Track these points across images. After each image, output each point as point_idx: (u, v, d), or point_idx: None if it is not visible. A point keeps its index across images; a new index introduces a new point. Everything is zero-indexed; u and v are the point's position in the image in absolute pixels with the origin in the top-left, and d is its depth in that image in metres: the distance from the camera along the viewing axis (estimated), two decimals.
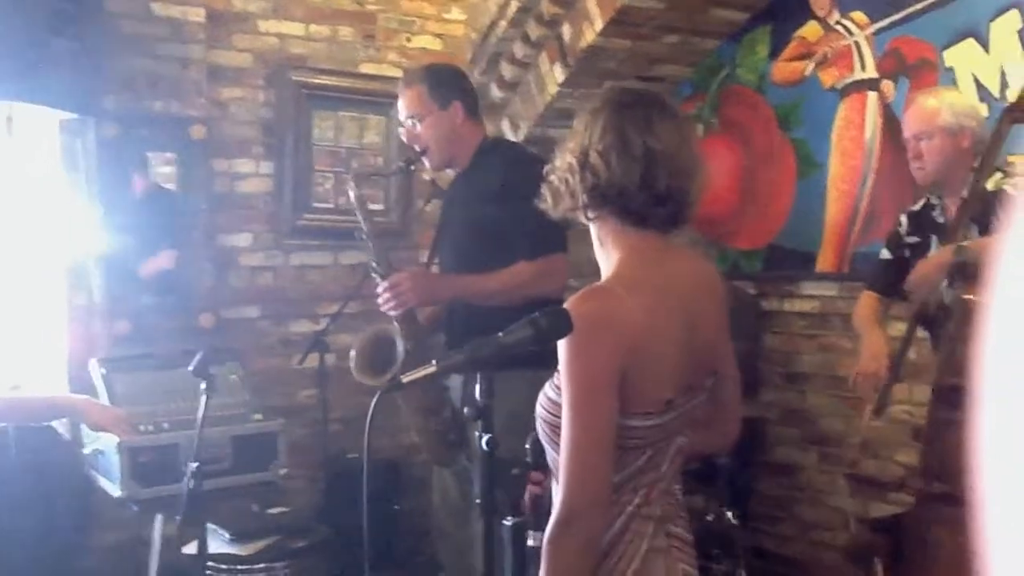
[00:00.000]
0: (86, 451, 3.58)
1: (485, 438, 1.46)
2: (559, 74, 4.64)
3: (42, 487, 3.77)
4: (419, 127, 3.03)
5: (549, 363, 1.68)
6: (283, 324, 4.57)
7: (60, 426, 3.85)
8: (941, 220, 3.08)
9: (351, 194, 3.10)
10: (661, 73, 4.85)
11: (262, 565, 3.19)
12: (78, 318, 4.05)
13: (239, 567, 3.18)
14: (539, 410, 1.76)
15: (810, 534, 4.48)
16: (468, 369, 1.52)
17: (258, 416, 3.79)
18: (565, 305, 1.66)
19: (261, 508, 3.73)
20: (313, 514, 4.41)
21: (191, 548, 2.87)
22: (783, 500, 4.63)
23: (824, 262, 4.39)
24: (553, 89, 4.69)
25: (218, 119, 4.33)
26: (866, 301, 3.33)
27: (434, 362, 1.50)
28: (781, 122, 4.54)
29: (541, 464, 1.77)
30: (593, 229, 1.83)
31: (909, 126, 3.10)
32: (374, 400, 1.55)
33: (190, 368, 2.67)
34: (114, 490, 3.53)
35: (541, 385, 1.75)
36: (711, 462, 3.89)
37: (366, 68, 4.63)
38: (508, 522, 1.53)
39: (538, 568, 1.64)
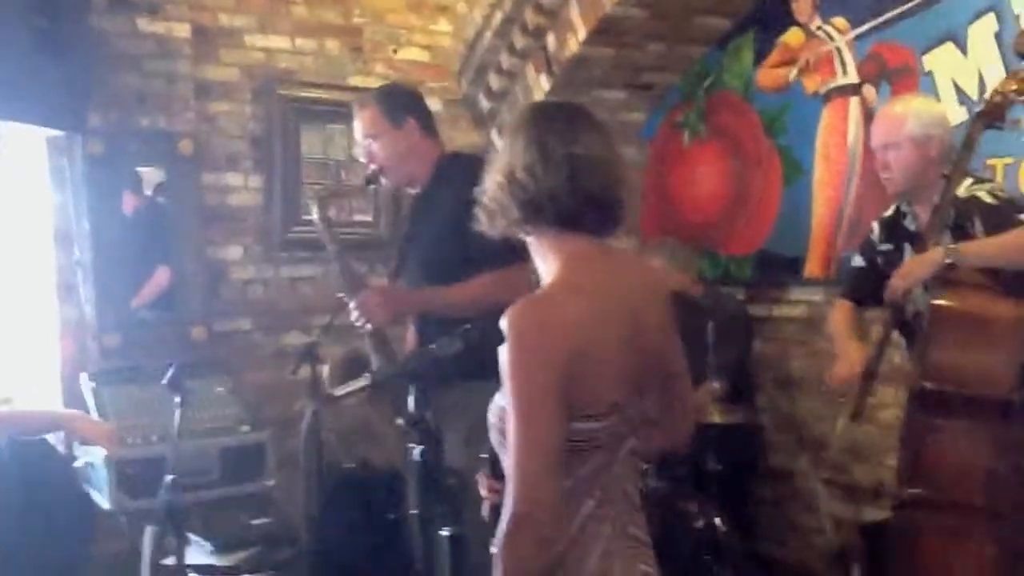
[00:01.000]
0: (78, 464, 3.63)
1: (418, 449, 1.48)
2: (545, 83, 4.67)
3: (40, 500, 3.80)
4: (375, 147, 3.08)
5: None
6: (275, 336, 4.60)
7: (54, 438, 3.89)
8: (913, 227, 3.08)
9: (315, 215, 3.13)
10: (648, 81, 4.87)
11: None
12: (69, 332, 4.09)
13: None
14: (490, 419, 1.79)
15: (805, 539, 4.48)
16: (402, 381, 1.53)
17: (246, 428, 3.82)
18: (505, 315, 1.67)
19: (252, 519, 3.75)
20: (307, 525, 4.44)
21: (172, 560, 2.89)
22: (778, 505, 4.63)
23: (811, 268, 4.40)
24: (540, 98, 4.71)
25: (207, 133, 4.37)
26: (840, 309, 3.33)
27: (366, 375, 1.52)
28: (767, 128, 4.55)
29: (498, 473, 1.79)
30: (532, 243, 1.86)
31: (876, 136, 3.09)
32: (307, 415, 1.57)
33: (164, 381, 2.69)
34: (103, 502, 3.57)
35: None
36: (702, 469, 3.91)
37: (354, 81, 4.67)
38: (446, 532, 1.54)
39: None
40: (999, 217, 2.78)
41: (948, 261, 2.69)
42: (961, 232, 2.86)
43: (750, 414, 4.25)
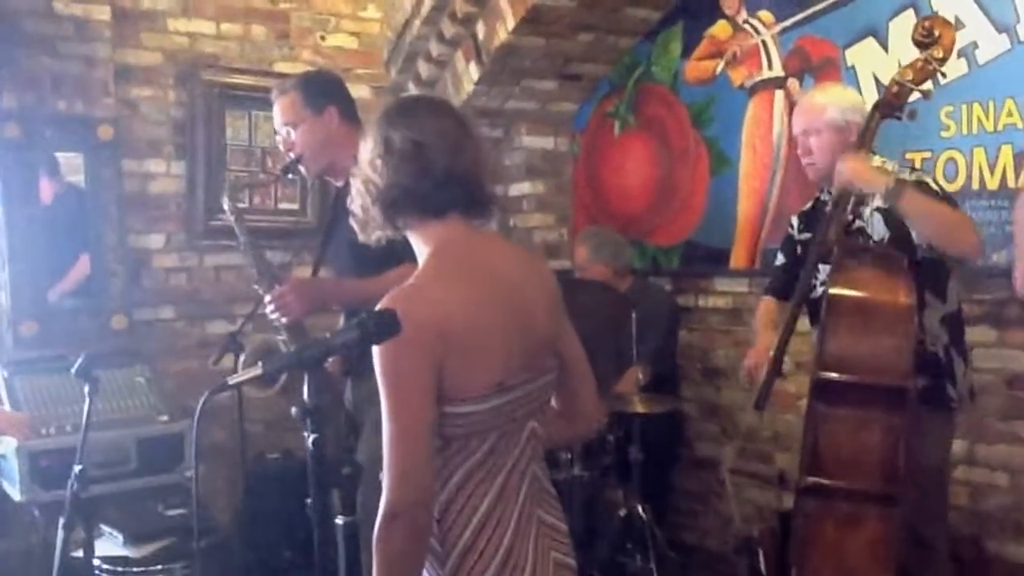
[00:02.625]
0: None
1: (311, 438, 1.46)
2: (474, 72, 4.65)
3: None
4: (294, 135, 3.00)
5: None
6: (199, 325, 4.54)
7: None
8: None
9: (226, 206, 3.07)
10: (578, 71, 4.88)
11: (159, 567, 3.16)
12: None
13: (134, 570, 3.15)
14: None
15: (727, 527, 4.52)
16: (296, 369, 1.51)
17: (164, 418, 3.77)
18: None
19: (169, 510, 3.70)
20: (232, 515, 4.40)
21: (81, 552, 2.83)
22: (703, 494, 4.67)
23: (737, 259, 4.44)
24: (469, 87, 4.70)
25: (127, 119, 4.30)
26: (763, 306, 3.36)
27: (260, 364, 1.50)
28: (694, 120, 4.58)
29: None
30: (410, 239, 1.86)
31: (797, 122, 3.13)
32: (200, 402, 1.54)
33: (72, 371, 2.63)
34: (15, 494, 3.50)
35: None
36: (625, 458, 3.93)
37: (280, 67, 4.61)
38: (340, 521, 1.53)
39: None
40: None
41: (891, 186, 2.71)
42: (889, 214, 2.90)
43: (674, 403, 4.28)
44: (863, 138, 2.88)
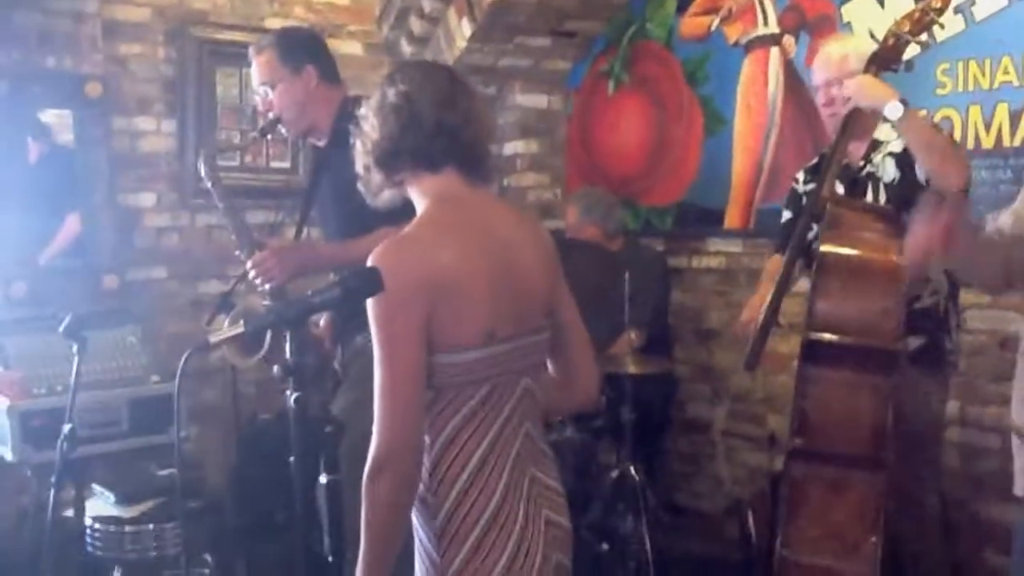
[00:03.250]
0: None
1: (293, 396, 1.45)
2: (467, 29, 4.59)
3: None
4: (272, 94, 2.95)
5: None
6: (191, 285, 4.51)
7: None
8: (844, 161, 3.08)
9: (203, 172, 3.03)
10: (573, 28, 4.82)
11: (150, 526, 3.17)
12: None
13: (125, 529, 3.15)
14: None
15: (719, 489, 4.54)
16: (278, 327, 1.50)
17: (156, 378, 3.75)
18: (370, 257, 1.71)
19: (160, 471, 3.71)
20: (225, 476, 4.41)
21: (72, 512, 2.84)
22: (696, 456, 4.69)
23: (731, 219, 4.42)
24: (462, 44, 4.65)
25: (117, 76, 4.24)
26: (772, 263, 3.35)
27: (241, 322, 1.49)
28: (689, 78, 4.54)
29: None
30: (410, 193, 1.90)
31: (819, 74, 3.09)
32: (182, 361, 1.53)
33: (60, 329, 2.62)
34: (7, 454, 3.49)
35: None
36: (617, 419, 3.94)
37: (271, 23, 4.53)
38: (323, 479, 1.52)
39: None
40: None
41: (898, 102, 2.69)
42: (901, 157, 2.90)
43: (666, 364, 4.28)
44: None
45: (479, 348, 1.75)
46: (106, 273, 4.23)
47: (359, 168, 1.90)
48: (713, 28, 4.40)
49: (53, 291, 4.07)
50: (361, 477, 1.68)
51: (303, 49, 2.98)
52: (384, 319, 1.69)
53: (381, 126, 1.83)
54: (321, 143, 3.04)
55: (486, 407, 1.78)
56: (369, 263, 1.68)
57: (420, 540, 1.80)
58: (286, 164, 4.64)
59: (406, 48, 4.87)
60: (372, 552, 1.70)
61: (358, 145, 1.89)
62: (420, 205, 1.87)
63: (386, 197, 1.91)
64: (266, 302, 2.94)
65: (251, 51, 3.03)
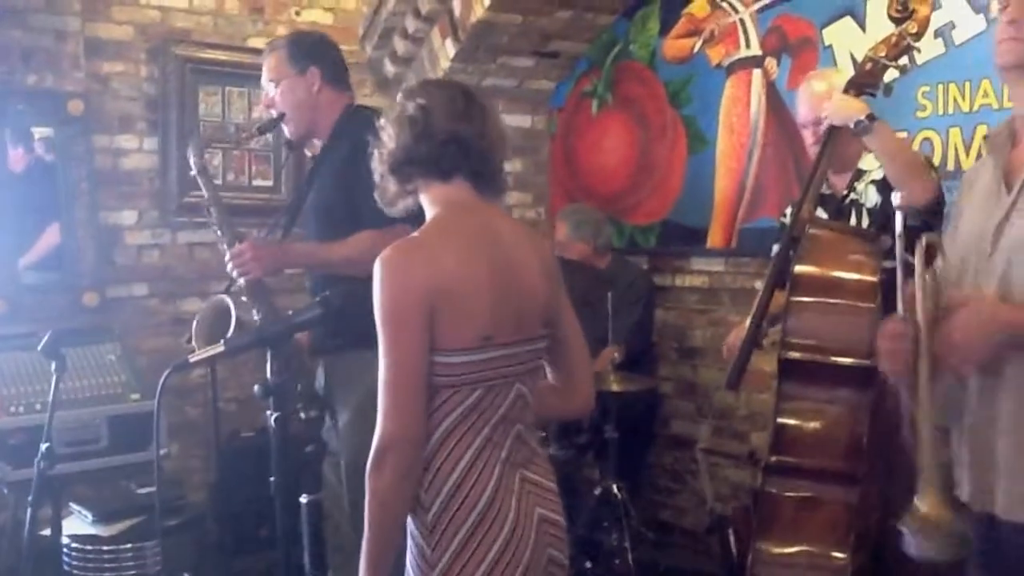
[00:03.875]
0: None
1: (274, 416, 1.44)
2: (451, 49, 4.61)
3: None
4: (275, 92, 3.01)
5: None
6: (172, 303, 4.50)
7: None
8: (828, 192, 3.11)
9: (191, 162, 3.06)
10: (556, 48, 4.84)
11: (128, 546, 3.14)
12: None
13: (104, 548, 3.12)
14: None
15: (702, 506, 4.53)
16: (258, 347, 1.50)
17: (136, 396, 3.73)
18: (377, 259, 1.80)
19: (141, 489, 3.68)
20: (206, 493, 4.38)
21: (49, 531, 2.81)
22: (678, 473, 4.68)
23: (714, 238, 4.43)
24: (445, 64, 4.66)
25: (99, 94, 4.23)
26: None
27: (222, 341, 1.48)
28: (672, 99, 4.56)
29: None
30: (422, 202, 1.97)
31: (804, 114, 3.12)
32: (162, 380, 1.52)
33: (39, 348, 2.60)
34: None
35: None
36: (601, 436, 3.93)
37: (254, 42, 4.54)
38: (304, 499, 1.52)
39: None
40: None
41: (866, 116, 2.71)
42: (883, 183, 2.93)
43: (650, 382, 4.28)
44: None
45: (476, 352, 1.82)
46: (86, 290, 4.21)
47: (376, 177, 1.98)
48: (696, 50, 4.42)
49: (32, 308, 4.05)
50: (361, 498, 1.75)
51: (311, 51, 3.04)
52: (390, 318, 1.78)
53: (397, 136, 1.92)
54: (317, 148, 3.08)
55: (479, 408, 1.86)
56: (376, 264, 1.77)
57: (411, 534, 1.87)
58: (268, 183, 4.64)
59: (389, 68, 4.88)
60: (375, 543, 1.78)
61: (376, 156, 1.97)
62: (430, 212, 1.95)
63: (400, 207, 1.98)
64: (242, 297, 2.94)
65: (264, 50, 3.12)
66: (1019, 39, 1.83)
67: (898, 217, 1.94)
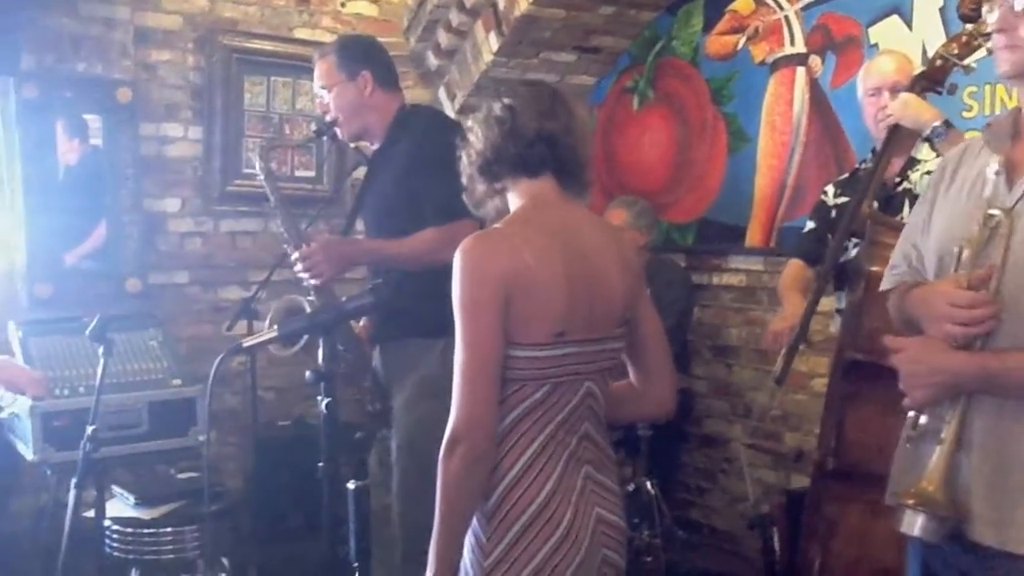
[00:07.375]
0: (3, 415, 3.56)
1: (325, 402, 1.47)
2: (494, 43, 4.61)
3: None
4: (328, 98, 3.06)
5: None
6: (213, 290, 4.55)
7: None
8: None
9: (257, 166, 3.12)
10: (598, 44, 4.84)
11: (169, 529, 3.18)
12: None
13: (144, 531, 3.17)
14: None
15: (735, 505, 4.53)
16: (310, 333, 1.52)
17: (177, 381, 3.77)
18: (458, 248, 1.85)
19: (180, 474, 3.72)
20: (242, 480, 4.43)
21: (92, 513, 2.86)
22: (711, 472, 4.68)
23: (752, 237, 4.42)
24: (488, 58, 4.67)
25: (146, 82, 4.29)
26: (790, 267, 3.35)
27: (275, 327, 1.51)
28: (714, 96, 4.55)
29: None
30: (508, 200, 2.00)
31: (871, 81, 3.12)
32: (215, 363, 1.55)
33: (87, 332, 2.64)
34: (28, 454, 3.51)
35: (452, 352, 1.85)
36: (634, 433, 3.93)
37: (300, 33, 4.59)
38: (352, 485, 1.54)
39: None
40: None
41: (942, 122, 2.72)
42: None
43: (684, 380, 4.27)
44: None
45: (547, 347, 1.83)
46: (129, 276, 4.27)
47: (464, 179, 2.01)
48: (739, 47, 4.41)
49: (77, 293, 4.11)
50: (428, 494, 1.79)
51: (360, 56, 3.08)
52: (468, 305, 1.81)
53: (485, 136, 1.95)
54: (375, 146, 3.13)
55: (546, 405, 1.86)
56: (457, 253, 1.81)
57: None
58: (311, 173, 4.68)
59: (432, 60, 4.90)
60: (445, 524, 1.81)
61: (463, 158, 2.01)
62: (515, 203, 1.98)
63: (490, 207, 2.01)
64: (310, 298, 2.97)
65: (315, 56, 3.15)
66: (1011, 47, 1.78)
67: None
